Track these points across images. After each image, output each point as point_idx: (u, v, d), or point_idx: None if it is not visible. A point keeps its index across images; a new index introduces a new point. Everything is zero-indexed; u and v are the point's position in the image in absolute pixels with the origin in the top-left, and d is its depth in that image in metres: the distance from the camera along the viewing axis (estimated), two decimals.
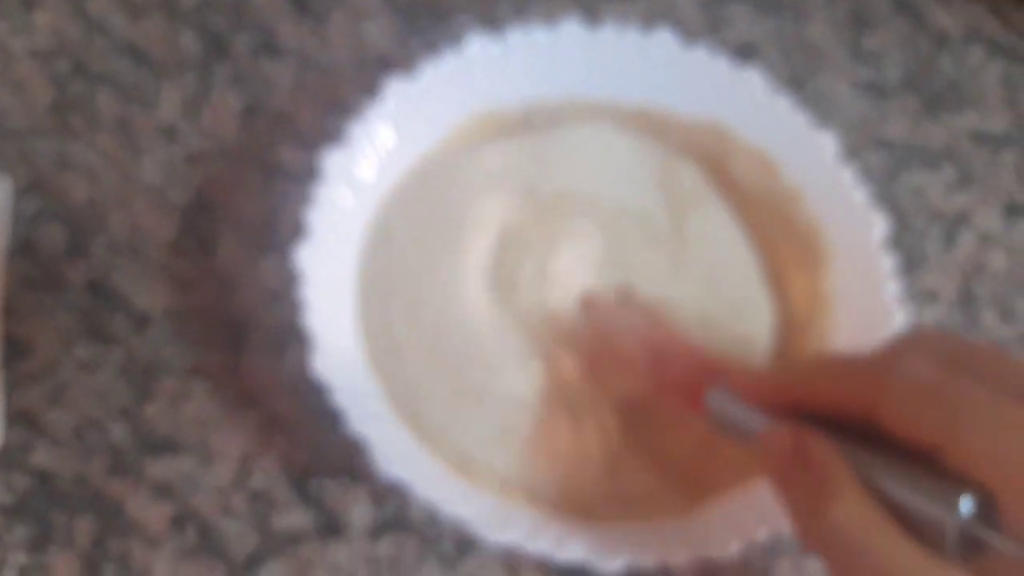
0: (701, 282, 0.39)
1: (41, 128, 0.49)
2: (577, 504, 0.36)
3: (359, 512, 0.41)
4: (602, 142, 0.44)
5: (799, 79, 0.54)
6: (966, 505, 0.21)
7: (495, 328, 0.39)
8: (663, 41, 0.45)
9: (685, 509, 0.35)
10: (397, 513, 0.41)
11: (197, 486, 0.41)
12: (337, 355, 0.37)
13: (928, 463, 0.23)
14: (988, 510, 0.21)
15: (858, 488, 0.23)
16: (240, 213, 0.47)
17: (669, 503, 0.35)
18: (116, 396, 0.42)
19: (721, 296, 0.39)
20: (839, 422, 0.26)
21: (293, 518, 0.41)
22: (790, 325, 0.42)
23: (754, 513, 0.34)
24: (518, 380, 0.38)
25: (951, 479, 0.22)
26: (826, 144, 0.44)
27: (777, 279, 0.43)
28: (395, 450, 0.35)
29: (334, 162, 0.40)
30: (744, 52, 0.53)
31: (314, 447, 0.42)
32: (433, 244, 0.41)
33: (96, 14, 0.53)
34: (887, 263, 0.38)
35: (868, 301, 0.41)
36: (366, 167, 0.42)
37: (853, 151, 0.46)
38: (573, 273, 0.40)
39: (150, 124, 0.50)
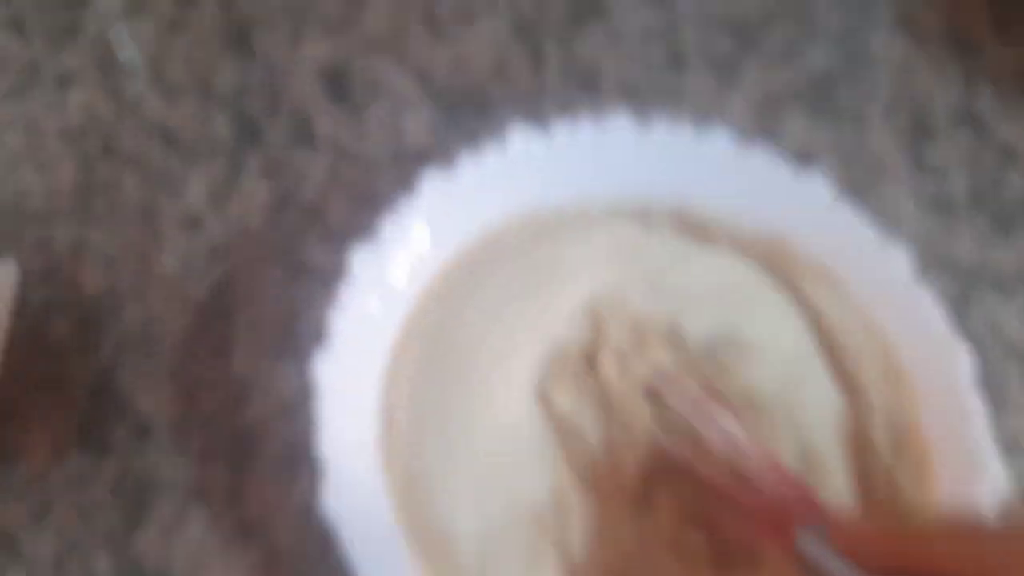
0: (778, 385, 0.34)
1: (61, 211, 0.47)
2: None
3: None
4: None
5: (859, 190, 0.50)
6: None
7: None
8: (718, 141, 0.42)
9: None
10: None
11: None
12: (354, 486, 0.33)
13: None
14: None
15: None
16: (260, 312, 0.44)
17: None
18: (105, 519, 0.38)
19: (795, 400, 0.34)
20: None
21: None
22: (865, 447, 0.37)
23: None
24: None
25: None
26: (899, 262, 0.40)
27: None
28: None
29: (364, 262, 0.37)
30: (800, 159, 0.50)
31: None
32: (478, 353, 0.37)
33: (131, 94, 0.51)
34: (977, 404, 0.34)
35: (958, 443, 0.36)
36: (397, 269, 0.39)
37: (921, 271, 0.42)
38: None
39: (175, 211, 0.47)
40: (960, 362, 0.37)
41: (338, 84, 0.52)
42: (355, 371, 0.36)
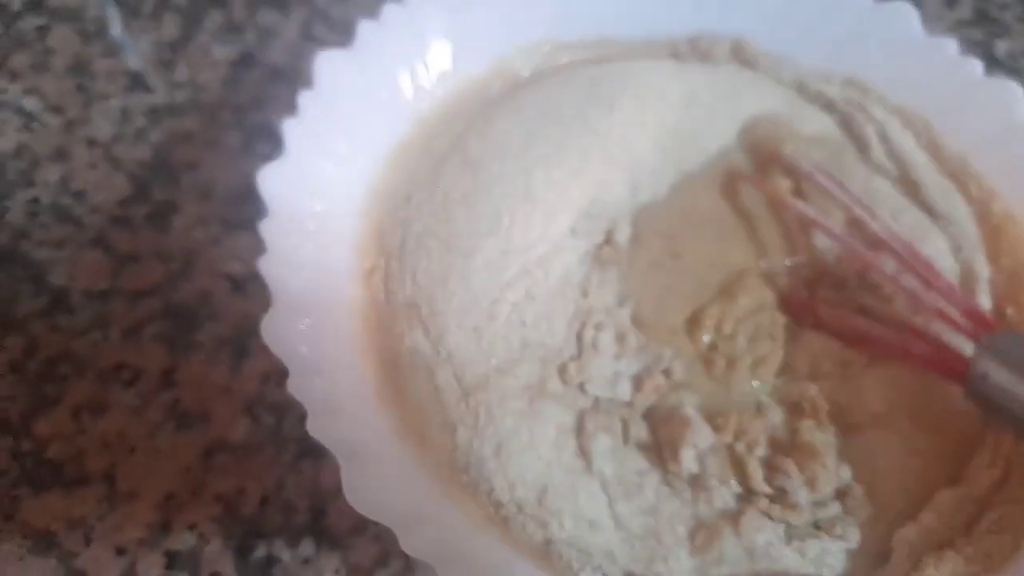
0: None
1: None
2: None
3: None
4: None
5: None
6: None
7: None
8: None
9: None
10: None
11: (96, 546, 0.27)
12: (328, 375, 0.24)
13: None
14: None
15: None
16: (211, 178, 0.36)
17: None
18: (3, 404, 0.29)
19: None
20: None
21: None
22: None
23: None
24: None
25: None
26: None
27: None
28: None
29: (333, 69, 0.29)
30: None
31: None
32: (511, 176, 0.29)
33: None
34: None
35: None
36: (385, 80, 0.30)
37: None
38: None
39: (111, 68, 0.39)
40: None
41: None
42: (319, 190, 0.28)
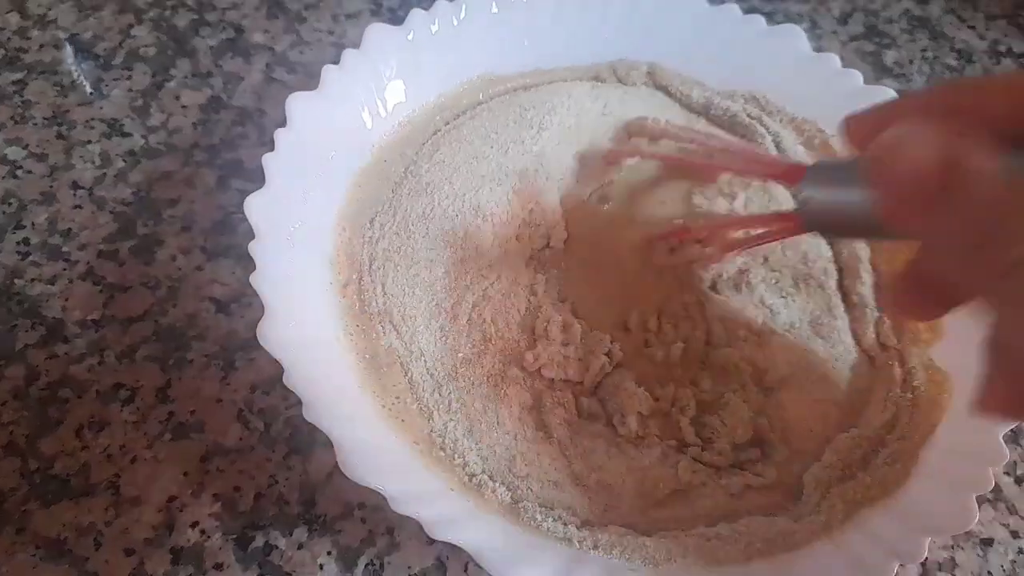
0: None
1: None
2: None
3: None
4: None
5: None
6: None
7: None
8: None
9: None
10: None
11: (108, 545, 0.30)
12: (301, 324, 0.28)
13: None
14: None
15: None
16: (191, 212, 0.39)
17: None
18: (9, 428, 0.32)
19: None
20: None
21: None
22: None
23: None
24: None
25: None
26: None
27: None
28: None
29: (304, 109, 0.32)
30: None
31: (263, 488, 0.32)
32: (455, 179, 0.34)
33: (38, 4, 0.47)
34: None
35: None
36: (344, 116, 0.35)
37: None
38: None
39: (89, 117, 0.42)
40: None
41: None
42: (297, 214, 0.31)
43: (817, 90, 0.37)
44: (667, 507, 0.27)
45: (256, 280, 0.27)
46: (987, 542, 0.32)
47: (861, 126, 0.22)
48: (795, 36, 0.38)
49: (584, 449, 0.28)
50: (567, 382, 0.30)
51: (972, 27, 0.55)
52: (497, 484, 0.27)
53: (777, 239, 0.30)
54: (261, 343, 0.25)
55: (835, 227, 0.25)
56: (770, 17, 0.39)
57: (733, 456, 0.28)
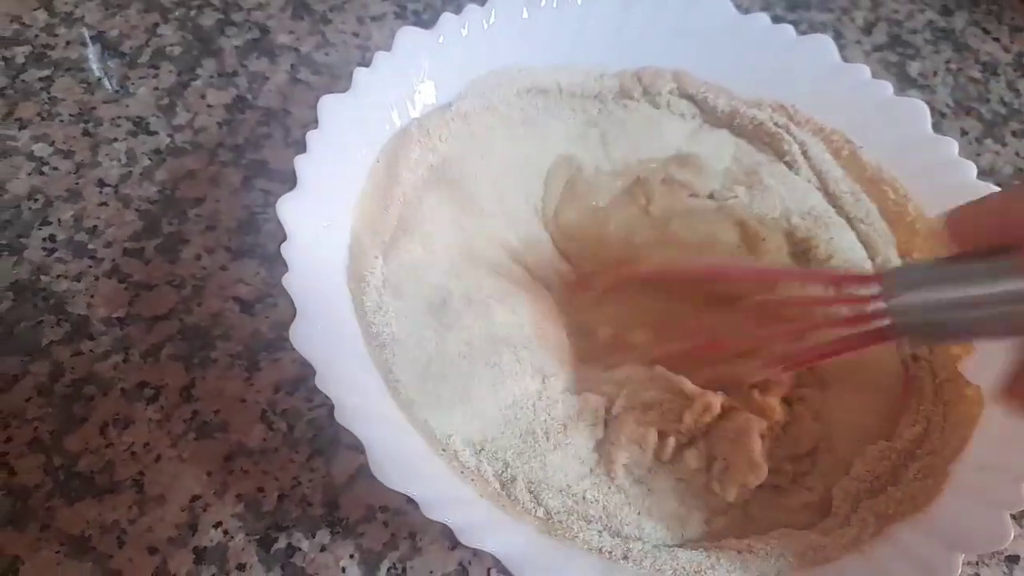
0: None
1: None
2: None
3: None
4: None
5: None
6: None
7: None
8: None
9: None
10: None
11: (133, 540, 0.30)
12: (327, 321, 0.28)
13: None
14: None
15: None
16: (216, 212, 0.39)
17: None
18: (34, 424, 0.32)
19: None
20: None
21: None
22: None
23: None
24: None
25: None
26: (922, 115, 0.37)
27: None
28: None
29: (334, 109, 0.32)
30: None
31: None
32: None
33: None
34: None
35: None
36: (371, 117, 0.35)
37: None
38: None
39: (115, 114, 0.42)
40: None
41: None
42: (326, 215, 0.31)
43: (847, 100, 0.37)
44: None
45: (288, 281, 0.27)
46: (1013, 559, 0.32)
47: (966, 224, 0.22)
48: (824, 46, 0.38)
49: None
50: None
51: (996, 39, 0.54)
52: (521, 489, 0.27)
53: (850, 351, 0.26)
54: (293, 345, 0.25)
55: (947, 331, 0.24)
56: (795, 26, 0.39)
57: (792, 471, 0.28)
